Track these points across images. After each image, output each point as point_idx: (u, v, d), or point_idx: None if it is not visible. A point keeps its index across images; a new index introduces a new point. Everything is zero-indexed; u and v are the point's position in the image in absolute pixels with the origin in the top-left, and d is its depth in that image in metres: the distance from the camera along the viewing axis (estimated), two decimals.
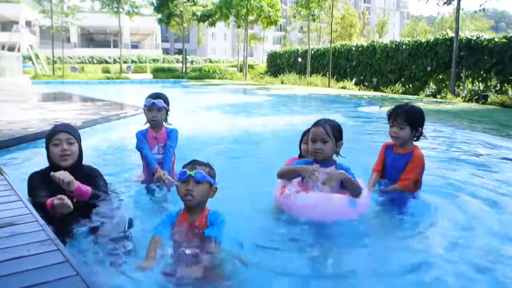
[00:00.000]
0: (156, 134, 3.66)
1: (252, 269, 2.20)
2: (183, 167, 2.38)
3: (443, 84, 17.99)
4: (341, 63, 25.30)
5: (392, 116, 3.26)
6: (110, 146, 4.84)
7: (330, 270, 2.30)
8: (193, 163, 2.37)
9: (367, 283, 2.15)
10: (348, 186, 2.74)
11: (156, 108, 3.55)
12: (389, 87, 20.07)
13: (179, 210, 2.41)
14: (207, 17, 34.62)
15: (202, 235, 2.29)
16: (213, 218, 2.33)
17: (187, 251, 2.21)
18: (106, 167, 3.57)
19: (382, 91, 20.13)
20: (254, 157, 4.15)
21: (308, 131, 3.09)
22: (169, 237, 2.30)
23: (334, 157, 2.90)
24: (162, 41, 62.83)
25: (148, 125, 3.67)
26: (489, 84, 15.77)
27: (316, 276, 2.23)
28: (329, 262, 2.36)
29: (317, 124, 2.84)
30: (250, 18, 33.38)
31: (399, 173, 3.24)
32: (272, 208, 2.98)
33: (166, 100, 3.62)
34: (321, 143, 2.78)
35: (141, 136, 3.61)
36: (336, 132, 2.80)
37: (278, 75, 29.80)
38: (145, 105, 3.57)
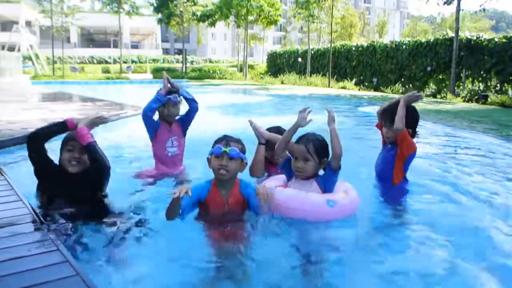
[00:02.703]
0: (170, 127, 3.67)
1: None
2: (217, 142, 2.53)
3: (443, 84, 17.98)
4: (341, 63, 25.30)
5: (388, 119, 3.28)
6: (110, 146, 4.83)
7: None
8: (227, 140, 2.52)
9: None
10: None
11: (172, 103, 3.58)
12: (389, 87, 20.07)
13: (209, 186, 2.52)
14: (207, 17, 34.60)
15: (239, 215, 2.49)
16: (249, 191, 2.51)
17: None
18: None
19: (382, 91, 20.13)
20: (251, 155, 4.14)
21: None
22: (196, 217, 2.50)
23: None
24: (162, 41, 62.81)
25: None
26: (489, 84, 15.76)
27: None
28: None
29: (299, 141, 2.75)
30: (250, 18, 33.37)
31: (390, 164, 3.34)
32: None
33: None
34: (303, 161, 2.70)
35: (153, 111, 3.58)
36: (319, 149, 2.70)
37: (278, 75, 29.78)
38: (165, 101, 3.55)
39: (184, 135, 3.79)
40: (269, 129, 3.40)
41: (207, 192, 2.51)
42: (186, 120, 3.74)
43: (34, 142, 2.74)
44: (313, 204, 2.60)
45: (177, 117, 3.70)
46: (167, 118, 3.63)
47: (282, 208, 2.62)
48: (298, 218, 2.62)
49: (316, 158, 2.69)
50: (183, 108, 3.77)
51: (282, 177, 2.98)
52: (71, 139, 2.78)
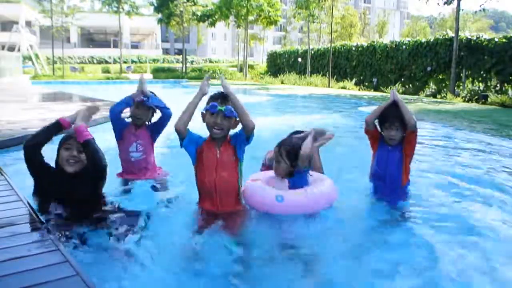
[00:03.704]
0: (136, 131, 3.50)
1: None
2: (212, 98, 2.61)
3: (443, 84, 17.98)
4: (341, 63, 25.29)
5: (389, 120, 3.26)
6: (110, 146, 4.83)
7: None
8: (223, 97, 2.61)
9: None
10: None
11: (145, 106, 3.42)
12: (389, 87, 20.06)
13: (204, 138, 2.69)
14: (207, 17, 34.58)
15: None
16: (237, 138, 2.66)
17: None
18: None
19: (382, 91, 20.12)
20: (254, 157, 4.13)
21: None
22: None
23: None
24: (162, 41, 62.79)
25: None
26: (489, 84, 15.76)
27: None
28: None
29: (277, 144, 2.97)
30: (250, 18, 33.35)
31: (399, 165, 3.31)
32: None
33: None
34: (276, 163, 2.94)
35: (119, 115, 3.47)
36: (292, 155, 2.87)
37: (278, 75, 29.78)
38: (137, 101, 3.41)
39: (153, 141, 3.60)
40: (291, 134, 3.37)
41: (202, 141, 2.69)
42: (156, 127, 3.57)
43: (31, 149, 2.70)
44: (264, 196, 2.79)
45: (147, 123, 3.55)
46: (134, 120, 3.49)
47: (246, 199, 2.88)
48: (257, 209, 2.84)
49: (288, 161, 2.89)
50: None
51: (268, 173, 3.16)
52: (68, 138, 2.75)
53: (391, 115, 3.26)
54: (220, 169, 2.67)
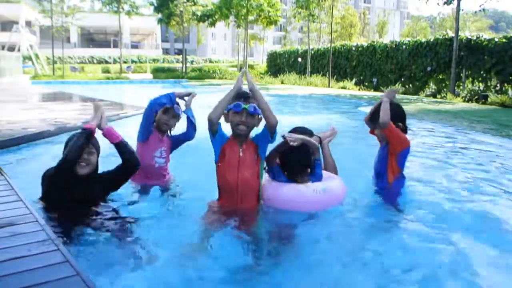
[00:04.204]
0: (162, 137, 3.44)
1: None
2: (236, 98, 2.67)
3: (443, 84, 17.98)
4: (341, 63, 25.29)
5: (375, 120, 3.31)
6: (110, 146, 4.84)
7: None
8: (245, 96, 2.69)
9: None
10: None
11: (173, 113, 3.38)
12: (389, 87, 20.05)
13: (228, 136, 2.72)
14: (207, 17, 34.56)
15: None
16: (258, 136, 2.71)
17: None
18: (106, 167, 3.56)
19: (382, 91, 20.09)
20: None
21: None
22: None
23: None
24: (162, 41, 62.78)
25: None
26: (489, 84, 15.76)
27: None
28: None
29: (282, 166, 2.93)
30: (250, 18, 33.34)
31: (384, 161, 3.37)
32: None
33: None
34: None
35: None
36: (301, 167, 2.88)
37: (278, 75, 29.76)
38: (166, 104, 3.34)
39: (171, 151, 3.55)
40: (295, 129, 3.39)
41: (226, 140, 2.72)
42: (177, 141, 3.51)
43: (67, 168, 2.62)
44: (301, 194, 2.78)
45: (169, 133, 3.50)
46: (161, 127, 3.39)
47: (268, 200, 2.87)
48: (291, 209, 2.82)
49: (300, 177, 2.90)
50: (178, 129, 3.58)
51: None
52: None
53: (375, 116, 3.33)
54: (242, 168, 2.70)
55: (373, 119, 3.41)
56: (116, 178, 2.84)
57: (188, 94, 3.46)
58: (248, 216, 2.77)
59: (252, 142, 2.74)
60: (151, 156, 3.36)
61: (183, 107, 3.45)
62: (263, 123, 2.74)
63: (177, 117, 3.42)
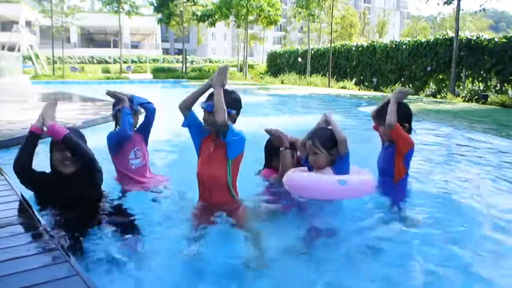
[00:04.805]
0: (131, 138, 3.32)
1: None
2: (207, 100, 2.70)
3: (443, 84, 17.97)
4: (341, 63, 25.28)
5: (383, 118, 3.28)
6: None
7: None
8: (210, 95, 2.70)
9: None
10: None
11: (134, 111, 3.31)
12: (389, 87, 20.05)
13: (208, 133, 2.80)
14: (207, 17, 34.55)
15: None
16: (228, 137, 2.69)
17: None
18: (105, 167, 3.56)
19: (382, 91, 20.11)
20: (254, 157, 4.14)
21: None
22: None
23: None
24: (162, 41, 62.78)
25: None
26: (489, 84, 15.75)
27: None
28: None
29: (308, 137, 3.02)
30: (250, 18, 33.34)
31: (390, 161, 3.35)
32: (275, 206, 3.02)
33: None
34: (313, 155, 2.97)
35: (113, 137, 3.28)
36: (327, 143, 2.94)
37: (278, 75, 29.76)
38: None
39: (146, 144, 3.51)
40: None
41: (206, 134, 2.79)
42: (146, 126, 3.47)
43: (21, 173, 2.66)
44: (326, 183, 2.87)
45: (136, 127, 3.44)
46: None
47: (299, 190, 2.93)
48: (314, 198, 2.92)
49: (324, 150, 2.93)
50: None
51: (304, 169, 3.17)
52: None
53: (381, 113, 3.33)
54: (212, 163, 2.75)
55: (379, 116, 3.40)
56: (84, 173, 2.74)
57: (115, 95, 3.32)
58: (234, 212, 2.79)
59: (221, 141, 2.74)
60: (127, 161, 3.31)
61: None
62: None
63: (136, 113, 3.37)
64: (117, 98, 3.30)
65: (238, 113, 2.82)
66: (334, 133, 2.94)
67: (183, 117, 2.80)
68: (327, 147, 2.93)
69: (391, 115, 3.17)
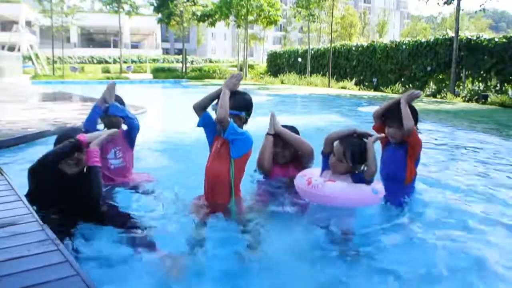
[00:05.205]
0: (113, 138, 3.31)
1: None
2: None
3: (443, 84, 17.98)
4: (341, 63, 25.29)
5: (390, 118, 3.24)
6: None
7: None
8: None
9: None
10: None
11: (110, 116, 3.29)
12: (389, 87, 20.07)
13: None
14: (207, 17, 34.56)
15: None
16: (231, 136, 2.76)
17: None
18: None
19: (382, 91, 20.12)
20: (254, 157, 4.17)
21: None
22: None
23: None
24: (162, 41, 62.78)
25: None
26: (489, 84, 15.76)
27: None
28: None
29: (342, 141, 2.96)
30: (250, 18, 33.33)
31: (401, 164, 3.28)
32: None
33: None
34: (337, 160, 2.95)
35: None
36: (357, 158, 2.91)
37: (278, 75, 29.78)
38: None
39: (131, 147, 3.48)
40: (284, 127, 3.43)
41: (217, 133, 2.84)
42: (129, 135, 3.44)
43: (44, 168, 2.58)
44: (361, 193, 2.88)
45: (124, 128, 3.44)
46: (109, 128, 3.29)
47: (334, 199, 2.87)
48: (345, 206, 2.90)
49: (350, 163, 2.92)
50: None
51: (316, 170, 3.16)
52: (66, 140, 2.67)
53: (393, 114, 3.24)
54: (217, 159, 2.82)
55: (388, 117, 3.30)
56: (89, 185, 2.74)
57: (105, 99, 3.30)
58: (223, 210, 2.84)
59: (226, 140, 2.80)
60: (105, 159, 3.27)
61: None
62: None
63: (116, 116, 3.32)
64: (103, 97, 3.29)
65: (248, 115, 2.88)
66: (368, 162, 2.89)
67: (197, 117, 2.88)
68: (355, 161, 2.93)
69: (408, 120, 3.10)
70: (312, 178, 2.98)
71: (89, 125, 3.24)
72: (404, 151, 3.25)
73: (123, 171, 3.40)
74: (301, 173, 3.14)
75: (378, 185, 3.01)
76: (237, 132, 2.68)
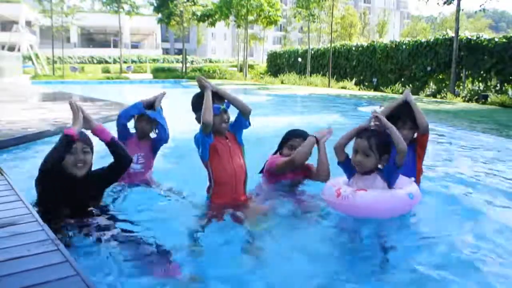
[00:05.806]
0: (139, 142, 3.43)
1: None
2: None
3: (443, 84, 17.99)
4: (341, 63, 25.30)
5: (402, 119, 3.17)
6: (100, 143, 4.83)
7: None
8: (216, 97, 2.80)
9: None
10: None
11: (146, 118, 3.37)
12: (389, 87, 20.07)
13: (212, 135, 2.78)
14: (207, 17, 34.58)
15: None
16: (233, 126, 2.92)
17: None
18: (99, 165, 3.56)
19: (382, 91, 20.13)
20: (254, 157, 4.15)
21: (289, 135, 3.34)
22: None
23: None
24: (162, 41, 62.78)
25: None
26: (489, 84, 15.76)
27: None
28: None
29: (362, 135, 2.74)
30: (250, 18, 33.35)
31: (411, 165, 3.23)
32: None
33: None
34: (363, 156, 2.71)
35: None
36: (381, 146, 2.69)
37: (278, 75, 29.79)
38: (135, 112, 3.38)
39: (154, 155, 3.54)
40: (292, 132, 3.41)
41: (212, 138, 2.78)
42: (155, 144, 3.50)
43: (48, 173, 2.57)
44: (397, 201, 2.67)
45: (152, 136, 3.49)
46: (139, 133, 3.43)
47: (370, 210, 2.64)
48: (384, 217, 2.70)
49: (377, 154, 2.69)
50: None
51: (343, 178, 2.95)
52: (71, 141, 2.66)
53: (404, 114, 3.18)
54: (234, 156, 2.88)
55: (397, 118, 3.16)
56: (108, 176, 2.81)
57: (154, 101, 3.42)
58: (247, 210, 2.86)
59: (230, 132, 2.93)
60: None
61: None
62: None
63: (152, 121, 3.39)
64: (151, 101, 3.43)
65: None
66: (394, 142, 2.63)
67: (206, 130, 2.69)
68: (381, 151, 2.69)
69: (424, 119, 3.05)
70: (341, 189, 2.72)
71: (123, 117, 3.37)
72: (412, 151, 3.19)
73: (141, 177, 3.43)
74: (329, 182, 2.93)
75: (413, 187, 2.78)
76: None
